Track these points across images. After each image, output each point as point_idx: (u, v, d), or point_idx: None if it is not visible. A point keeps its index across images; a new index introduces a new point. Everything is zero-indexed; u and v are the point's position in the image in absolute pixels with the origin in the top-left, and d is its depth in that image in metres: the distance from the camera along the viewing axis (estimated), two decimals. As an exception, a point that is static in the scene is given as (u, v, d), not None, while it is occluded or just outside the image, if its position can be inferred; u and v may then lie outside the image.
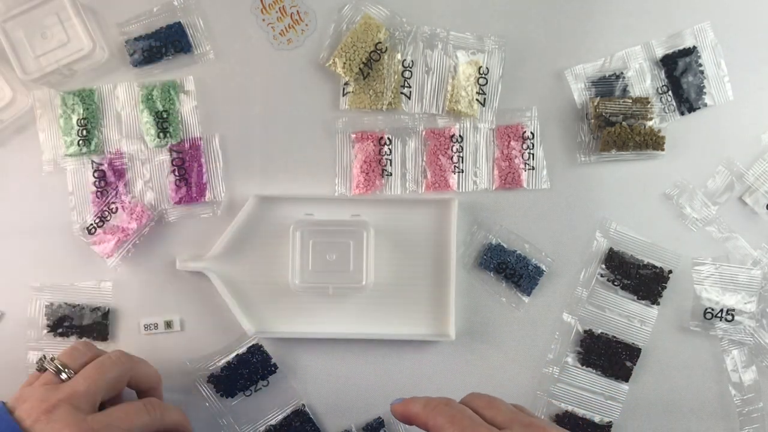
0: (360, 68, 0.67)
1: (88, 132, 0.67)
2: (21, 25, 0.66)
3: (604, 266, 0.67)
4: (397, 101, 0.68)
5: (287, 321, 0.67)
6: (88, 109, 0.67)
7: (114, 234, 0.66)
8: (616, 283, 0.67)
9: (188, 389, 0.66)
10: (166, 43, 0.67)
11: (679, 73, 0.68)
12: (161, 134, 0.67)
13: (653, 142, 0.66)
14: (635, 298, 0.67)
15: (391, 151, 0.68)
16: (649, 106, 0.67)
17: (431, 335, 0.67)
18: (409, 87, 0.68)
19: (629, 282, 0.67)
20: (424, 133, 0.68)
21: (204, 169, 0.68)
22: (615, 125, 0.66)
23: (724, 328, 0.66)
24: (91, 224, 0.67)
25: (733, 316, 0.66)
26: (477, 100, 0.68)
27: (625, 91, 0.68)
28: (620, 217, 0.68)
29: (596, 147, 0.68)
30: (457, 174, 0.68)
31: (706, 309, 0.67)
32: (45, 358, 0.56)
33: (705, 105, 0.68)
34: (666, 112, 0.68)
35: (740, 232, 0.68)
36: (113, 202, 0.67)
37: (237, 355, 0.66)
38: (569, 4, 0.69)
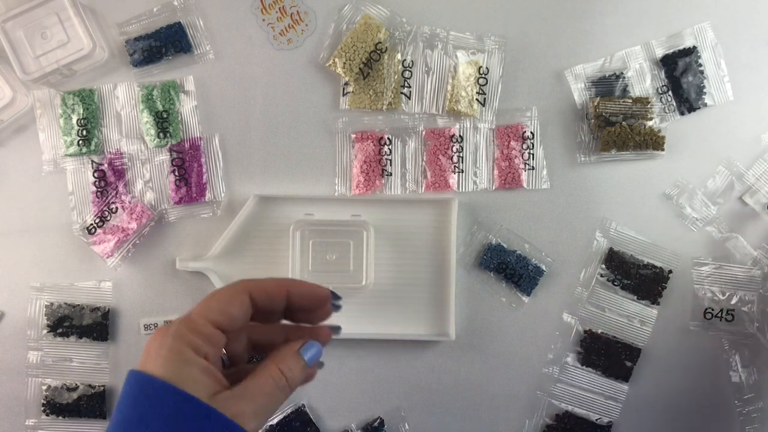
0: (360, 68, 0.67)
1: (88, 132, 0.67)
2: (21, 25, 0.66)
3: (604, 266, 0.67)
4: (397, 101, 0.68)
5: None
6: (88, 109, 0.67)
7: (114, 234, 0.66)
8: (616, 283, 0.67)
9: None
10: (166, 43, 0.67)
11: (679, 73, 0.68)
12: (161, 134, 0.67)
13: (653, 142, 0.66)
14: (635, 298, 0.67)
15: (391, 151, 0.68)
16: (649, 106, 0.67)
17: (431, 335, 0.67)
18: (409, 87, 0.68)
19: (629, 282, 0.67)
20: (424, 133, 0.68)
21: (204, 169, 0.68)
22: (615, 125, 0.66)
23: (724, 328, 0.66)
24: (91, 224, 0.67)
25: (733, 316, 0.66)
26: (477, 100, 0.68)
27: (625, 91, 0.68)
28: (620, 217, 0.68)
29: (596, 147, 0.67)
30: (457, 174, 0.68)
31: (706, 309, 0.66)
32: None
33: (705, 105, 0.68)
34: (666, 112, 0.68)
35: (740, 232, 0.68)
36: (113, 202, 0.67)
37: (237, 355, 0.66)
38: (569, 4, 0.69)
